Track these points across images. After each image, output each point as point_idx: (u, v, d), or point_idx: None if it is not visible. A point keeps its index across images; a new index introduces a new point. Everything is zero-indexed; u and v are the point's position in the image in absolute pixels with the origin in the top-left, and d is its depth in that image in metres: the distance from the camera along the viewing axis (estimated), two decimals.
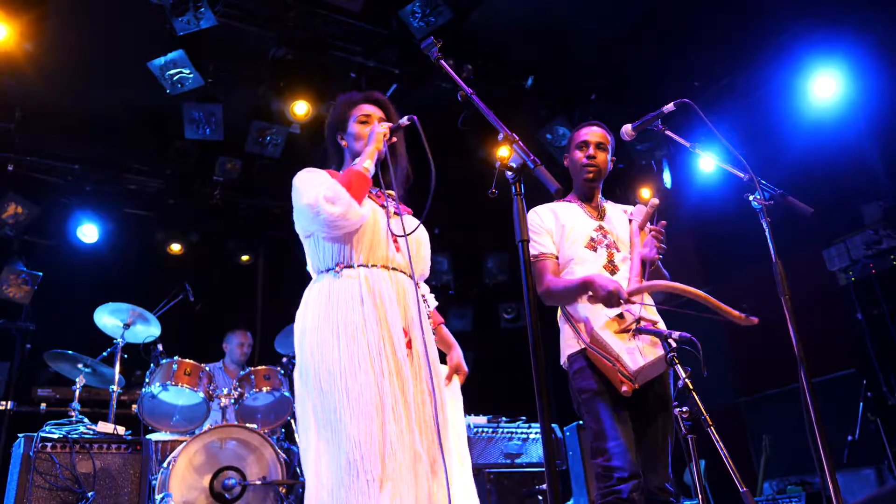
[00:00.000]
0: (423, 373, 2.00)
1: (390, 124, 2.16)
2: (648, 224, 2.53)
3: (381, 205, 2.17)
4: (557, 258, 2.57)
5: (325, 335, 1.97)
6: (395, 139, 2.20)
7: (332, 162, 2.33)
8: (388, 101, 2.34)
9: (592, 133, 2.68)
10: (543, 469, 4.80)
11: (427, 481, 1.87)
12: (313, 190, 2.01)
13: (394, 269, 2.09)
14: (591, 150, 2.64)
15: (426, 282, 2.48)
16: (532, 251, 2.57)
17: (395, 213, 2.16)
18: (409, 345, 2.01)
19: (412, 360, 2.00)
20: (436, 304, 2.41)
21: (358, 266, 2.04)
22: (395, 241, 2.11)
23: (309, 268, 2.17)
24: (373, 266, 2.05)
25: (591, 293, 2.35)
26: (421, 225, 2.21)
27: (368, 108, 2.27)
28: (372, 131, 2.15)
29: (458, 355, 2.34)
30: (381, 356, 1.93)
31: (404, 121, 2.19)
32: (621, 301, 2.27)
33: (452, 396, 2.30)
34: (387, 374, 1.92)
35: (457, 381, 2.32)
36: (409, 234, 2.07)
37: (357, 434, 1.82)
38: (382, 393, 1.88)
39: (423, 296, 2.16)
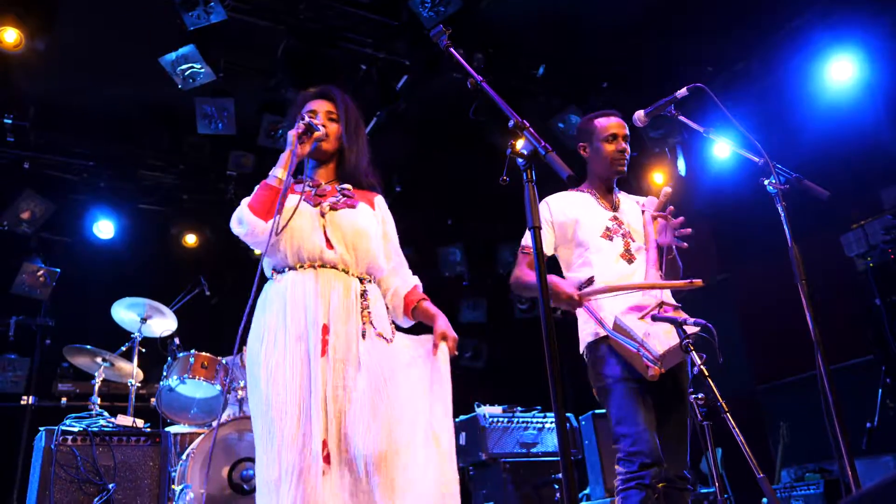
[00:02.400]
0: (337, 368, 1.97)
1: (302, 125, 2.13)
2: (659, 213, 2.54)
3: (319, 203, 2.16)
4: (546, 256, 2.60)
5: (255, 340, 2.04)
6: (321, 132, 2.17)
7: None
8: (339, 93, 2.31)
9: (619, 125, 2.70)
10: (559, 458, 4.79)
11: (318, 481, 1.84)
12: (235, 211, 2.10)
13: (322, 266, 2.07)
14: (623, 144, 2.66)
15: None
16: (524, 241, 2.61)
17: (330, 208, 2.14)
18: (326, 343, 1.98)
19: (327, 359, 1.97)
20: (415, 283, 2.33)
21: (288, 270, 2.09)
22: (327, 239, 2.10)
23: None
24: (300, 268, 2.07)
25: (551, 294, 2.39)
26: (369, 215, 2.19)
27: (315, 104, 2.26)
28: (287, 134, 2.14)
29: (442, 323, 2.20)
30: (296, 359, 1.95)
31: (316, 119, 2.19)
32: (576, 305, 2.38)
33: (426, 378, 2.13)
34: (296, 375, 1.94)
35: (444, 356, 2.16)
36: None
37: (265, 435, 1.91)
38: (289, 398, 1.91)
39: (363, 291, 2.10)
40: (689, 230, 2.46)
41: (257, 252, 2.21)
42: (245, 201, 2.10)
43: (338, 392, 1.95)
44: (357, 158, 2.27)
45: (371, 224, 2.19)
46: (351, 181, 2.27)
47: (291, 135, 2.12)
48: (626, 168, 2.67)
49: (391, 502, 1.90)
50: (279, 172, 2.08)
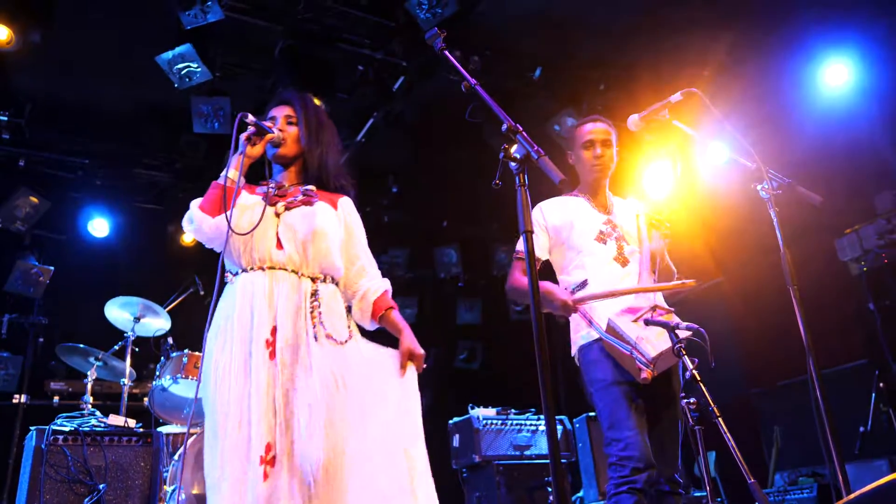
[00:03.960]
0: (285, 372, 1.95)
1: (251, 128, 2.14)
2: (654, 217, 2.55)
3: (274, 203, 2.15)
4: (541, 260, 2.63)
5: (208, 343, 2.05)
6: (275, 135, 2.18)
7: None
8: (299, 96, 2.32)
9: (596, 131, 2.72)
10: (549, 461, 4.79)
11: (257, 488, 1.83)
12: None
13: (270, 268, 2.07)
14: (598, 150, 2.69)
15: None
16: (518, 246, 2.65)
17: (285, 208, 2.14)
18: (272, 344, 1.97)
19: (274, 363, 1.95)
20: (385, 288, 2.30)
21: (241, 272, 2.10)
22: (279, 240, 2.10)
23: None
24: (251, 269, 2.07)
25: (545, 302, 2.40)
26: (327, 214, 2.17)
27: (275, 111, 2.29)
28: (239, 137, 2.15)
29: (409, 339, 2.15)
30: (239, 363, 1.95)
31: (266, 123, 2.20)
32: (570, 311, 2.40)
33: (394, 390, 2.09)
34: (240, 379, 1.94)
35: (411, 375, 2.12)
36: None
37: (210, 438, 1.93)
38: (230, 402, 1.91)
39: (314, 291, 2.08)
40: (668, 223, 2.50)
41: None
42: (195, 202, 2.13)
43: (289, 396, 1.92)
44: (321, 159, 2.26)
45: (328, 223, 2.15)
46: (316, 183, 2.25)
47: (242, 137, 2.14)
48: (605, 173, 2.70)
49: None
50: (230, 173, 2.10)
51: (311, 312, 2.05)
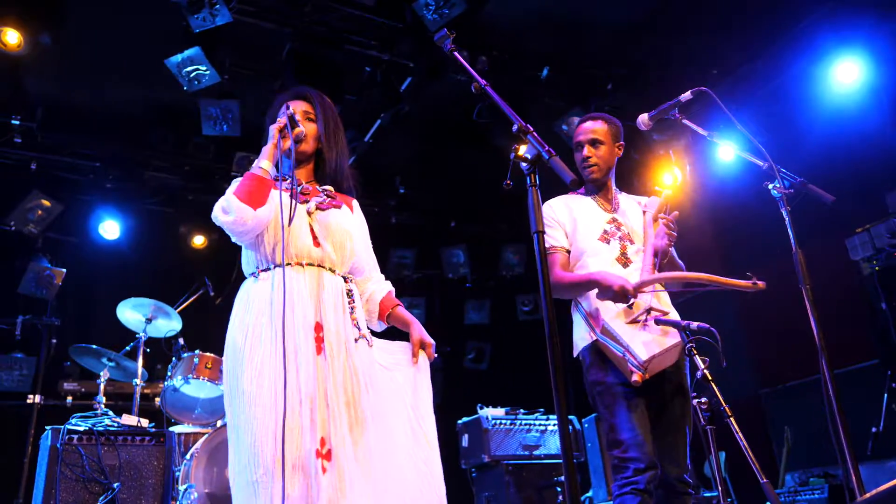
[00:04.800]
0: (335, 365, 1.95)
1: (284, 119, 2.10)
2: (661, 214, 2.53)
3: (305, 200, 2.13)
4: (569, 251, 2.57)
5: (237, 338, 1.99)
6: (301, 130, 2.13)
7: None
8: (316, 93, 2.29)
9: (583, 131, 2.66)
10: (561, 461, 4.79)
11: (316, 482, 1.80)
12: (218, 201, 2.05)
13: (309, 264, 2.04)
14: (585, 152, 2.63)
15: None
16: (547, 242, 2.58)
17: (317, 207, 2.12)
18: (321, 339, 1.96)
19: (323, 357, 1.94)
20: (389, 289, 2.34)
21: (274, 267, 2.03)
22: (315, 237, 2.07)
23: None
24: (287, 265, 2.02)
25: (598, 291, 2.35)
26: (350, 216, 2.18)
27: (292, 105, 2.22)
28: (269, 128, 2.12)
29: (418, 330, 2.21)
30: (285, 358, 1.90)
31: (283, 116, 2.15)
32: (629, 297, 2.28)
33: (409, 383, 2.14)
34: (287, 376, 1.88)
35: (424, 363, 2.18)
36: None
37: (249, 438, 1.85)
38: (277, 396, 1.86)
39: (348, 290, 2.10)
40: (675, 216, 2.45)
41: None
42: (230, 190, 2.04)
43: (338, 391, 1.93)
44: (337, 160, 2.26)
45: (355, 226, 2.20)
46: (331, 183, 2.25)
47: (273, 128, 2.09)
48: (598, 173, 2.62)
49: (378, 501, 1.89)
50: (264, 164, 2.05)
51: (352, 312, 2.08)
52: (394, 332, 2.32)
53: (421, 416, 2.12)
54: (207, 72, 4.80)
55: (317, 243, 2.07)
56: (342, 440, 1.89)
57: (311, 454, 1.82)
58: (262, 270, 2.06)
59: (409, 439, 2.07)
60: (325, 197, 2.19)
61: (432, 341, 2.21)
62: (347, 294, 2.10)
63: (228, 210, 1.99)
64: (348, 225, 2.16)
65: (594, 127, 2.65)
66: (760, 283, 2.20)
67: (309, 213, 2.12)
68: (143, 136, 6.02)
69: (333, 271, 2.09)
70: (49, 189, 5.88)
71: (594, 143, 2.63)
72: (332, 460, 1.85)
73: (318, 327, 1.97)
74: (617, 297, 2.29)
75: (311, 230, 2.09)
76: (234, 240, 2.10)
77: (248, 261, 2.12)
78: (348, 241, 2.13)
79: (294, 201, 2.07)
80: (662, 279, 2.36)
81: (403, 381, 2.15)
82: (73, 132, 5.83)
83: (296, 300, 1.98)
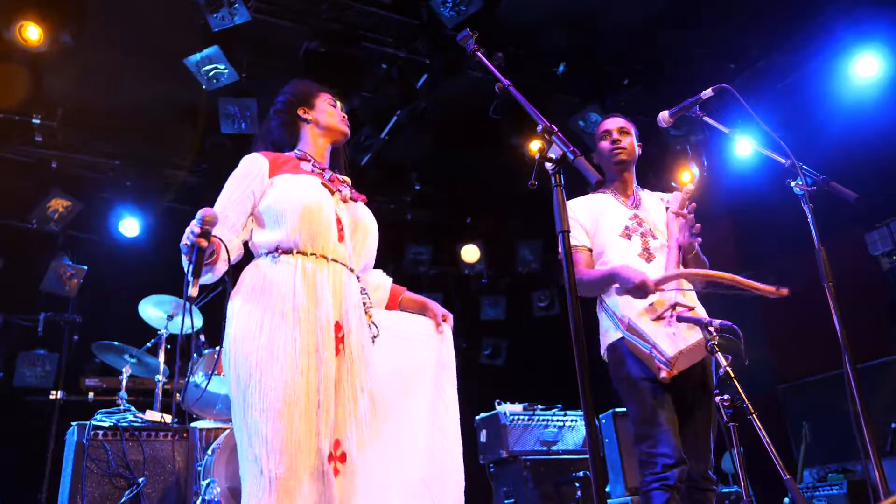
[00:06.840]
0: (354, 368, 1.91)
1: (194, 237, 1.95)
2: (682, 209, 2.53)
3: (336, 189, 2.09)
4: (591, 250, 2.60)
5: (250, 323, 1.87)
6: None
7: (277, 136, 2.30)
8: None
9: (612, 122, 2.76)
10: (579, 456, 4.82)
11: (328, 485, 1.76)
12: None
13: (333, 259, 1.98)
14: (616, 136, 2.70)
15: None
16: (573, 241, 2.60)
17: (350, 198, 2.12)
18: (341, 340, 1.91)
19: (343, 356, 1.90)
20: (390, 280, 2.36)
21: (297, 253, 1.94)
22: (340, 231, 2.02)
23: (250, 247, 2.06)
24: (312, 255, 1.94)
25: (617, 285, 2.36)
26: (370, 215, 2.18)
27: (324, 94, 2.29)
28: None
29: (433, 303, 2.24)
30: (304, 351, 1.83)
31: None
32: (649, 291, 2.27)
33: (433, 353, 2.16)
34: (306, 370, 1.81)
35: (448, 333, 2.21)
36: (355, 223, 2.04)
37: (264, 430, 1.75)
38: (297, 389, 1.78)
39: (362, 288, 2.08)
40: (699, 226, 2.46)
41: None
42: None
43: (355, 392, 1.91)
44: (346, 154, 2.31)
45: (374, 223, 2.19)
46: (342, 175, 2.25)
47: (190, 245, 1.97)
48: (627, 159, 2.69)
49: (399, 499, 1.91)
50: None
51: (367, 312, 2.07)
52: None
53: (442, 386, 2.13)
54: (226, 70, 4.84)
55: (341, 237, 2.02)
56: (358, 443, 1.87)
57: (324, 457, 1.79)
58: (285, 252, 1.96)
59: (429, 411, 2.07)
60: (349, 188, 2.17)
61: (449, 313, 2.27)
62: (362, 292, 2.09)
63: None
64: (371, 222, 2.16)
65: (621, 120, 2.77)
66: (784, 290, 2.17)
67: (344, 201, 2.10)
68: (162, 134, 6.07)
69: (352, 270, 2.05)
70: (69, 187, 5.95)
71: (622, 131, 2.73)
72: (345, 462, 1.82)
73: (338, 327, 1.92)
74: (636, 292, 2.28)
75: (339, 221, 2.04)
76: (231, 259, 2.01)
77: (262, 238, 2.01)
78: (368, 238, 2.13)
79: (325, 190, 2.06)
80: (684, 275, 2.36)
81: (427, 353, 2.16)
82: (92, 131, 5.89)
83: (319, 297, 1.90)
